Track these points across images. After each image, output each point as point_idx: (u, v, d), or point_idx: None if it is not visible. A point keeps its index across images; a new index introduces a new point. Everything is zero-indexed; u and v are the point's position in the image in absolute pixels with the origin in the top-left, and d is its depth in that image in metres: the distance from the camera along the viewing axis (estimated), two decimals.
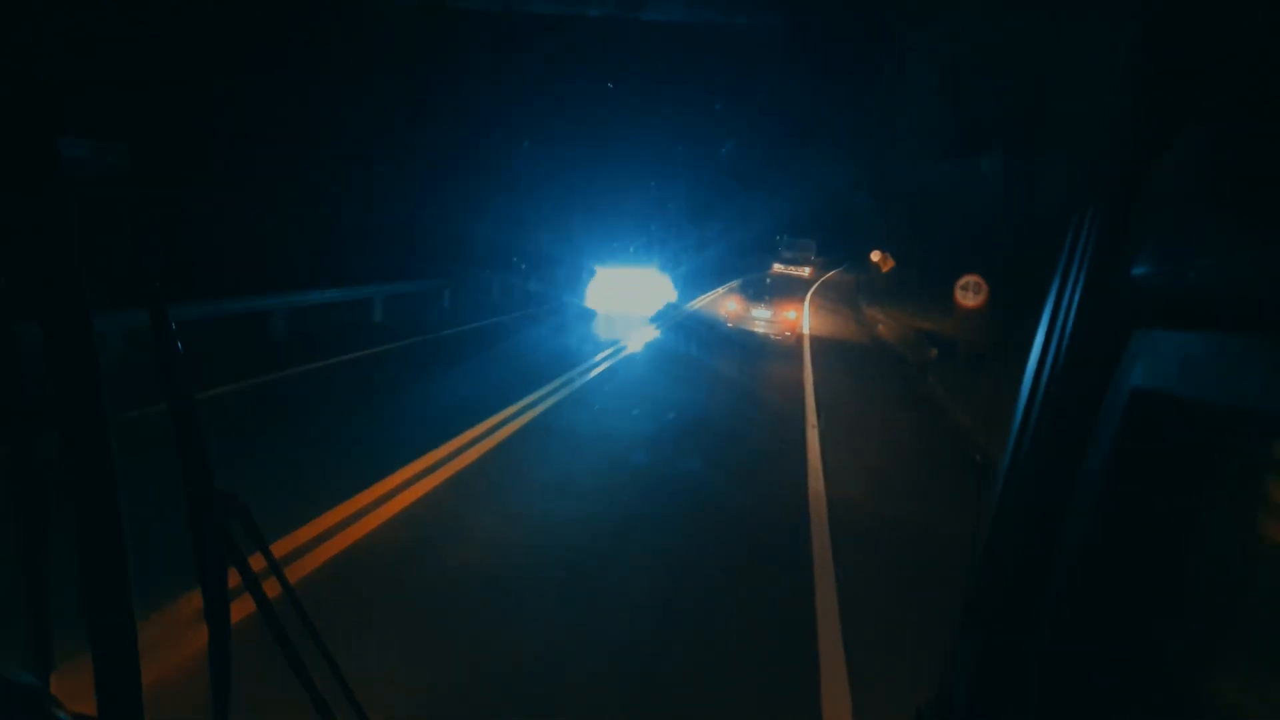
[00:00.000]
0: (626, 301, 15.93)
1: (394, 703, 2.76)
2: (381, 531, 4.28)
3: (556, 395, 8.16)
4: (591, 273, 16.84)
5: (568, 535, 4.52)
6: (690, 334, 14.72)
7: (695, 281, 24.93)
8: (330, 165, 14.36)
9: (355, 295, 12.60)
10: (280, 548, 3.86)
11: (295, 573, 3.65)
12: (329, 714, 0.88)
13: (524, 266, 19.09)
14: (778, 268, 35.37)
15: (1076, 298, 0.65)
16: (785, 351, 13.18)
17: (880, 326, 18.79)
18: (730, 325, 14.49)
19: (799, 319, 14.58)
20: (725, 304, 15.09)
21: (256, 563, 0.87)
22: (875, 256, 27.56)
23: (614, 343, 12.41)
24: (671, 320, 16.35)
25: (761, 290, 14.40)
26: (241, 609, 0.86)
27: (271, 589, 0.89)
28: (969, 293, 11.24)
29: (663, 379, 10.56)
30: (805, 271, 35.93)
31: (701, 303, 21.62)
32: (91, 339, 0.73)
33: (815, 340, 14.79)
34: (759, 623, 3.79)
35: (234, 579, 0.84)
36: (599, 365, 10.35)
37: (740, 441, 7.46)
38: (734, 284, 15.98)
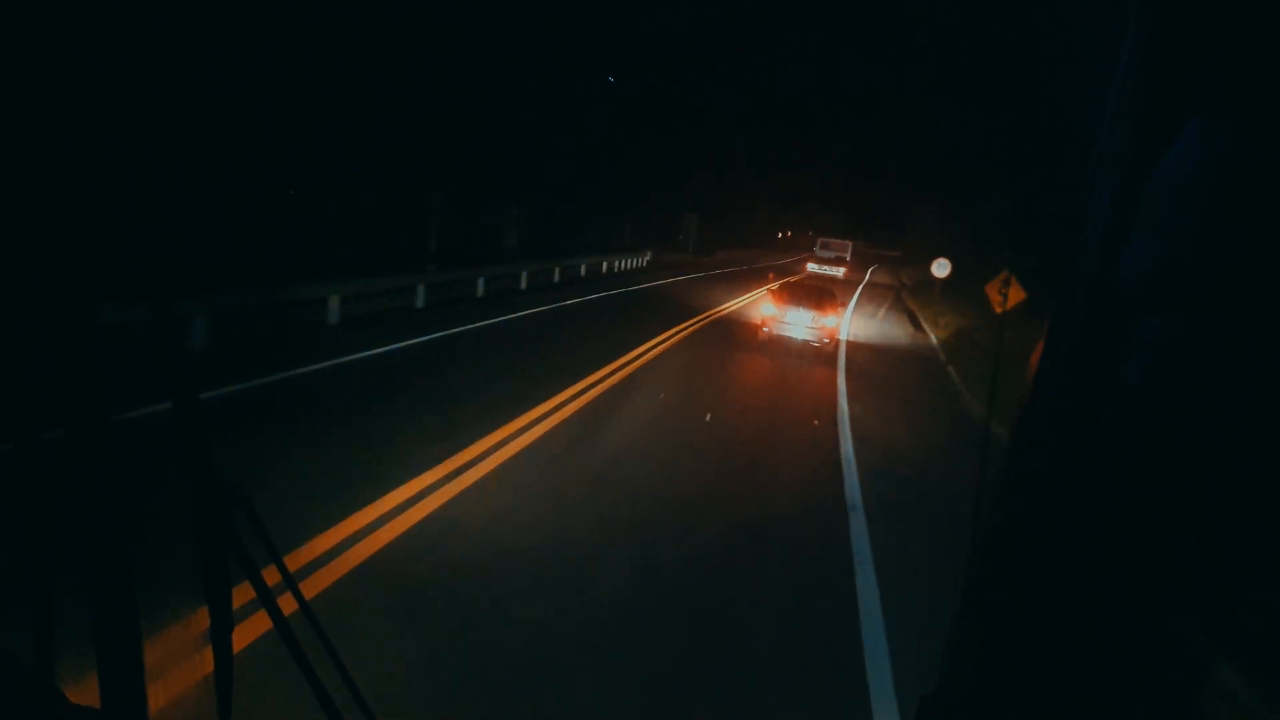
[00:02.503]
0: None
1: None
2: None
3: None
4: None
5: None
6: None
7: None
8: None
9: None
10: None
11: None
12: (330, 703, 0.88)
13: None
14: (811, 268, 34.95)
15: (1081, 290, 0.65)
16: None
17: None
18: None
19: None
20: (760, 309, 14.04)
21: (270, 575, 0.86)
22: (939, 270, 19.80)
23: None
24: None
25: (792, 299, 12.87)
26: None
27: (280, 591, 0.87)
28: None
29: None
30: (840, 272, 34.76)
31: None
32: (93, 335, 0.73)
33: None
34: None
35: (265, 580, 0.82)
36: None
37: None
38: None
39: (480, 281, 15.05)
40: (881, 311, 22.10)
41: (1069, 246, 0.67)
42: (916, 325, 19.17)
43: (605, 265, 23.61)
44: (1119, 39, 0.62)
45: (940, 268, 20.17)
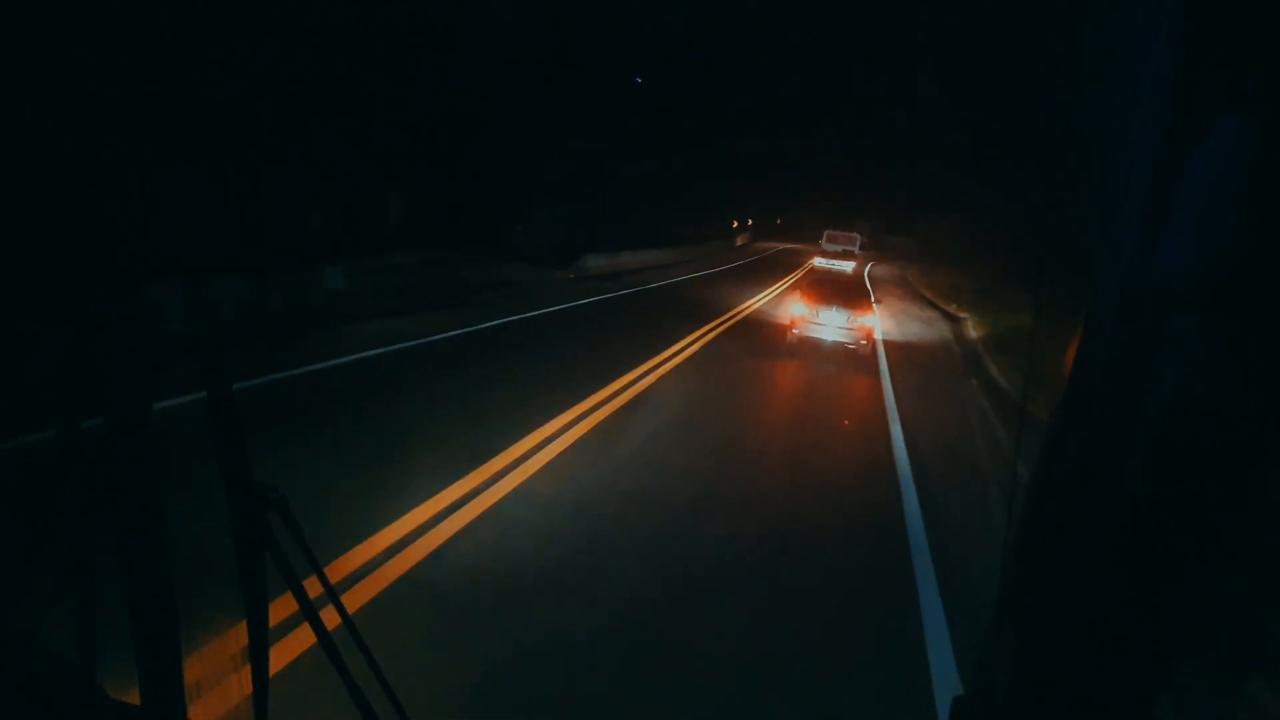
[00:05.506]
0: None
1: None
2: None
3: None
4: None
5: None
6: None
7: None
8: None
9: None
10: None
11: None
12: (365, 704, 0.88)
13: None
14: (819, 262, 32.62)
15: (1114, 288, 0.65)
16: None
17: None
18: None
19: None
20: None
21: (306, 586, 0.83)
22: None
23: None
24: None
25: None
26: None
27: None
28: None
29: None
30: (849, 266, 31.27)
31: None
32: (134, 332, 0.73)
33: None
34: None
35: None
36: None
37: None
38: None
39: None
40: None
41: (1099, 243, 0.66)
42: None
43: None
44: (1132, 36, 0.62)
45: None
